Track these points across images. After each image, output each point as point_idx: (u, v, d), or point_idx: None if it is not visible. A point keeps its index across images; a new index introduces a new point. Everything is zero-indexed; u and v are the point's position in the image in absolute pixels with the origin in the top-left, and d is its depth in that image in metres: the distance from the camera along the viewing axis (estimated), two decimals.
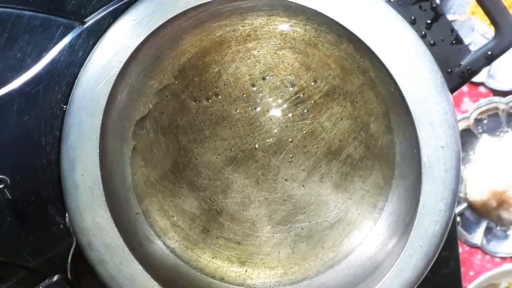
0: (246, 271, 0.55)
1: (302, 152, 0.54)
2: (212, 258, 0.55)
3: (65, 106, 0.47)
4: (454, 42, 0.48)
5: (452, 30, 0.48)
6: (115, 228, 0.47)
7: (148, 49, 0.48)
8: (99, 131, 0.46)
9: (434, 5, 0.47)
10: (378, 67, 0.47)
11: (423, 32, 0.48)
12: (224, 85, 0.53)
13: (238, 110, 0.54)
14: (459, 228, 0.72)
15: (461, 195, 0.73)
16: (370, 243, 0.53)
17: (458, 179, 0.47)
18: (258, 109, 0.54)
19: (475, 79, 0.63)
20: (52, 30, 0.47)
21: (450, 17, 0.72)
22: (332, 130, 0.54)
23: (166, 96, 0.53)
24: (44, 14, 0.47)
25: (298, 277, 0.55)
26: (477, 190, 0.71)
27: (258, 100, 0.54)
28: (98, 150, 0.46)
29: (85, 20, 0.48)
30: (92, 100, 0.46)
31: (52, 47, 0.47)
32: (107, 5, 0.48)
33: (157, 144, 0.54)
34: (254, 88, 0.53)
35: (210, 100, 0.53)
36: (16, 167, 0.47)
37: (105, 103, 0.46)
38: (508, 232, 0.74)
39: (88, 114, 0.46)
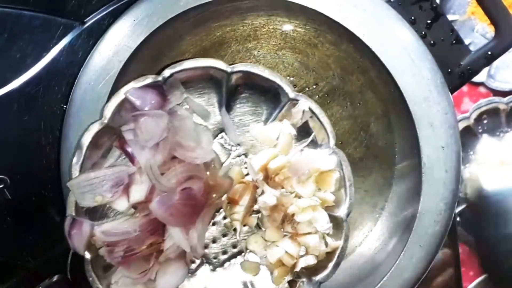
0: None
1: None
2: None
3: (65, 106, 0.47)
4: (454, 42, 0.48)
5: (452, 30, 0.48)
6: None
7: (148, 49, 0.48)
8: None
9: (434, 5, 0.48)
10: (378, 67, 0.47)
11: (423, 32, 0.48)
12: None
13: None
14: (459, 228, 0.72)
15: (461, 195, 0.73)
16: (370, 243, 0.53)
17: (458, 179, 0.47)
18: None
19: (475, 79, 0.63)
20: (52, 30, 0.47)
21: (450, 17, 0.71)
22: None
23: None
24: (44, 14, 0.47)
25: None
26: (477, 190, 0.71)
27: None
28: None
29: (85, 20, 0.48)
30: (92, 100, 0.46)
31: (52, 47, 0.47)
32: (107, 5, 0.48)
33: None
34: None
35: None
36: (16, 167, 0.47)
37: (105, 103, 0.46)
38: None
39: (88, 114, 0.46)
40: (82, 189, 0.40)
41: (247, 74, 0.42)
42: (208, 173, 0.41)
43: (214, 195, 0.42)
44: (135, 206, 0.41)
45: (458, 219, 0.72)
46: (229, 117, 0.43)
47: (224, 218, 0.44)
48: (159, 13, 0.46)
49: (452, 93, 0.47)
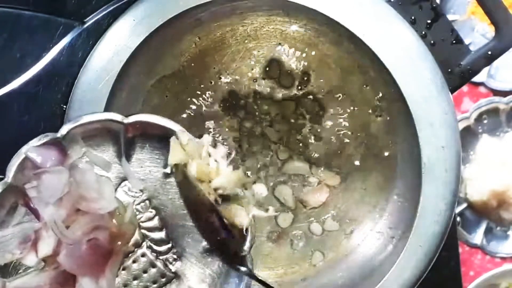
0: None
1: (303, 152, 0.54)
2: None
3: (65, 106, 0.47)
4: (454, 42, 0.48)
5: (452, 30, 0.48)
6: None
7: (148, 49, 0.48)
8: None
9: (434, 5, 0.47)
10: (378, 67, 0.47)
11: (424, 32, 0.48)
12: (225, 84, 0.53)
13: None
14: (459, 228, 0.72)
15: (461, 195, 0.73)
16: (370, 243, 0.53)
17: (458, 179, 0.47)
18: (257, 109, 0.54)
19: (475, 79, 0.63)
20: (52, 30, 0.47)
21: (450, 17, 0.72)
22: (332, 130, 0.54)
23: (166, 96, 0.53)
24: (44, 14, 0.47)
25: (298, 277, 0.54)
26: (477, 190, 0.71)
27: (258, 101, 0.54)
28: None
29: (85, 20, 0.48)
30: (92, 100, 0.46)
31: (52, 47, 0.47)
32: (107, 5, 0.48)
33: None
34: (255, 88, 0.53)
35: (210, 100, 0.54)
36: None
37: (105, 103, 0.46)
38: (508, 232, 0.74)
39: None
40: None
41: (141, 124, 0.43)
42: (114, 221, 0.44)
43: (119, 242, 0.44)
44: (44, 260, 0.42)
45: (458, 219, 0.72)
46: (129, 166, 0.45)
47: (134, 262, 0.46)
48: (159, 13, 0.46)
49: (452, 93, 0.47)
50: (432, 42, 0.48)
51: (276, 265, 0.55)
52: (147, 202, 0.46)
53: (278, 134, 0.54)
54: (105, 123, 0.43)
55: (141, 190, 0.46)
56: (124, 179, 0.46)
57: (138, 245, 0.46)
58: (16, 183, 0.41)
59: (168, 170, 0.45)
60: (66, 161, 0.42)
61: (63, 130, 0.42)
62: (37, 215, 0.42)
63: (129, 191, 0.46)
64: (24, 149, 0.42)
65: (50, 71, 0.47)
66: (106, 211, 0.43)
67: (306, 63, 0.53)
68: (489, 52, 0.47)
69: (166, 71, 0.52)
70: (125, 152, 0.45)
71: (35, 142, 0.42)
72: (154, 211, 0.46)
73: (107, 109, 0.46)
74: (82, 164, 0.43)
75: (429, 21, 0.48)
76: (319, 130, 0.54)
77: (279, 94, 0.53)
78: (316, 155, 0.54)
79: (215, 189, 0.44)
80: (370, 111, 0.53)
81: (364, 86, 0.52)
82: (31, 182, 0.41)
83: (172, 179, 0.46)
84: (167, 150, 0.45)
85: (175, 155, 0.44)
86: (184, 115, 0.53)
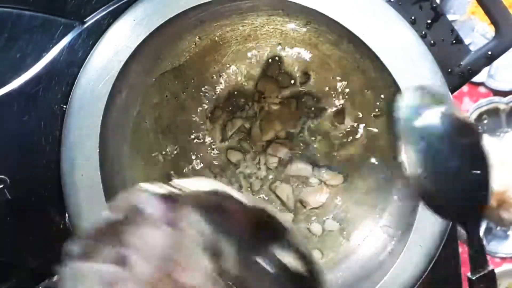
0: None
1: (303, 152, 0.54)
2: None
3: (65, 106, 0.47)
4: (454, 42, 0.48)
5: (452, 30, 0.48)
6: None
7: (148, 49, 0.48)
8: (99, 131, 0.46)
9: (434, 5, 0.47)
10: (378, 67, 0.47)
11: (423, 32, 0.48)
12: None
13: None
14: (459, 228, 0.72)
15: None
16: (370, 243, 0.53)
17: None
18: (258, 109, 0.54)
19: (475, 79, 0.62)
20: (52, 30, 0.47)
21: (450, 17, 0.71)
22: (333, 130, 0.54)
23: (166, 96, 0.53)
24: (44, 14, 0.47)
25: None
26: None
27: (259, 100, 0.54)
28: (98, 150, 0.46)
29: (85, 20, 0.48)
30: (92, 100, 0.46)
31: (52, 47, 0.47)
32: (107, 5, 0.47)
33: (156, 144, 0.54)
34: (255, 88, 0.53)
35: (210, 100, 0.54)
36: (16, 167, 0.47)
37: (105, 103, 0.46)
38: (508, 232, 0.74)
39: (88, 114, 0.46)
40: None
41: None
42: None
43: None
44: None
45: None
46: None
47: None
48: (159, 13, 0.46)
49: (452, 93, 0.47)
50: (432, 42, 0.48)
51: None
52: None
53: (278, 134, 0.54)
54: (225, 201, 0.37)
55: None
56: None
57: None
58: (118, 221, 0.37)
59: None
60: (177, 222, 0.38)
61: (185, 187, 0.37)
62: (123, 263, 0.37)
63: None
64: (140, 193, 0.36)
65: (50, 71, 0.47)
66: None
67: (306, 63, 0.53)
68: (489, 52, 0.47)
69: (166, 71, 0.52)
70: None
71: (155, 188, 0.36)
72: None
73: (107, 109, 0.46)
74: (191, 231, 0.38)
75: (429, 21, 0.48)
76: (319, 130, 0.54)
77: (280, 94, 0.53)
78: (317, 155, 0.54)
79: None
80: (370, 111, 0.53)
81: (366, 90, 0.53)
82: (135, 229, 0.37)
83: None
84: None
85: None
86: (184, 115, 0.53)
